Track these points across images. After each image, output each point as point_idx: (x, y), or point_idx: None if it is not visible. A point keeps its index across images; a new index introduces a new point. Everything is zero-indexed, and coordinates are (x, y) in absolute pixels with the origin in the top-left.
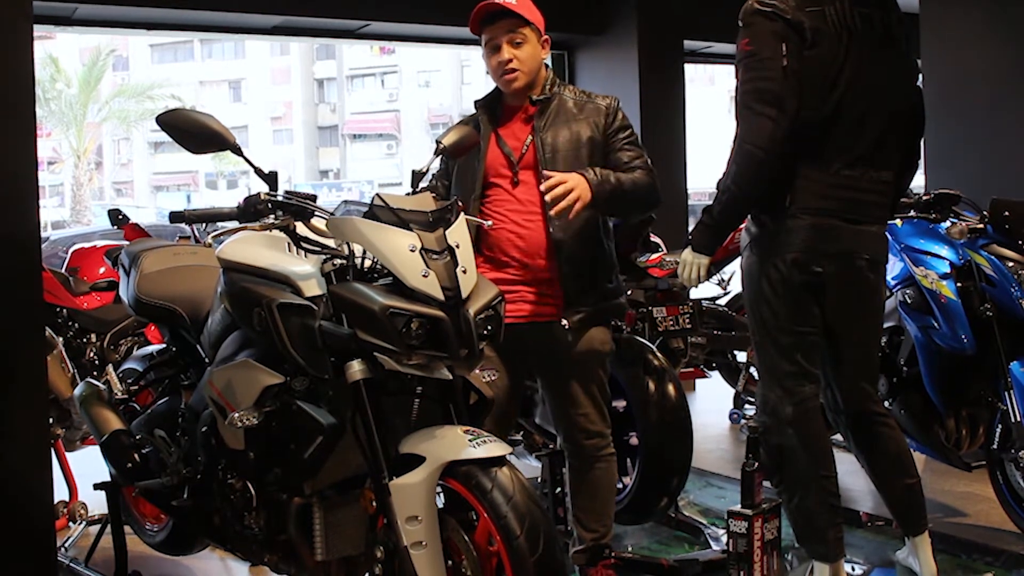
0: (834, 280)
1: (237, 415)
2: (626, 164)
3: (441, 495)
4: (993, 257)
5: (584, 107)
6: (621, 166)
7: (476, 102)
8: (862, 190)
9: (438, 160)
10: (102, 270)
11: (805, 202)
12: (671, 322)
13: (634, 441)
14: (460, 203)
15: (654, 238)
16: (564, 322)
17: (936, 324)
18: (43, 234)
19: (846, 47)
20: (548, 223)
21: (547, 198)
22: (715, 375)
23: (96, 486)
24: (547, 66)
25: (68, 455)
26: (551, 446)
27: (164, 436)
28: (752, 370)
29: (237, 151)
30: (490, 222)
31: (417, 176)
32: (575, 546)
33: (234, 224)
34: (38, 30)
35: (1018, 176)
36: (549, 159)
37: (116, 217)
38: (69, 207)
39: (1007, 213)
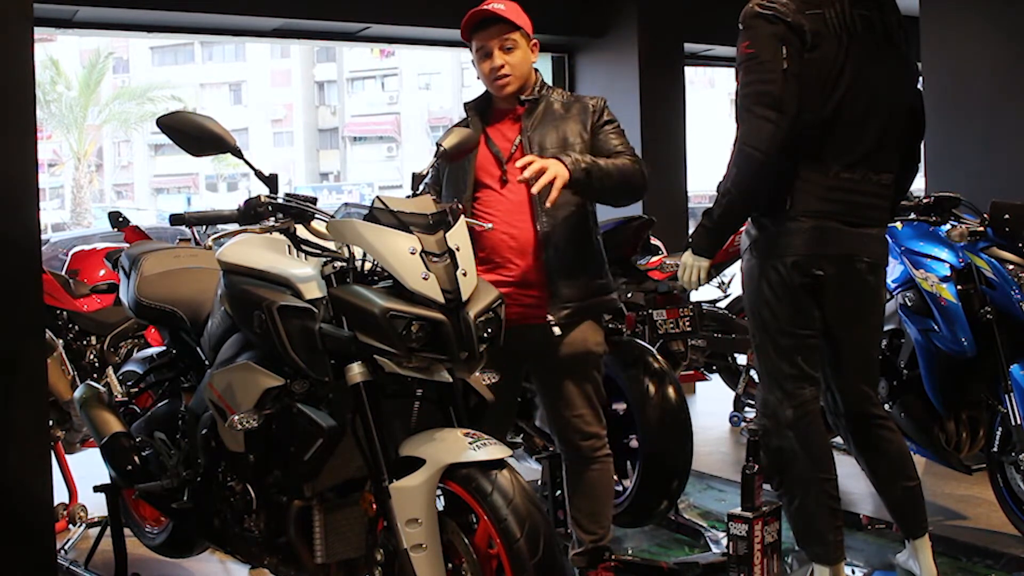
0: (834, 283)
1: (237, 417)
2: (610, 151)
3: (441, 498)
4: (993, 260)
5: (571, 107)
6: (606, 155)
7: (466, 104)
8: (862, 193)
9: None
10: (102, 272)
11: (805, 205)
12: (671, 325)
13: (634, 444)
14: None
15: (654, 241)
16: (550, 317)
17: (936, 327)
18: (43, 236)
19: (846, 49)
20: (535, 218)
21: (525, 174)
22: (715, 378)
23: (96, 488)
24: (536, 69)
25: (68, 457)
26: (551, 448)
27: (164, 438)
28: (752, 373)
29: (237, 153)
30: (490, 225)
31: (417, 179)
32: (575, 548)
33: (234, 226)
34: (38, 32)
35: (1018, 178)
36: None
37: (116, 219)
38: (69, 209)
39: (1007, 216)
